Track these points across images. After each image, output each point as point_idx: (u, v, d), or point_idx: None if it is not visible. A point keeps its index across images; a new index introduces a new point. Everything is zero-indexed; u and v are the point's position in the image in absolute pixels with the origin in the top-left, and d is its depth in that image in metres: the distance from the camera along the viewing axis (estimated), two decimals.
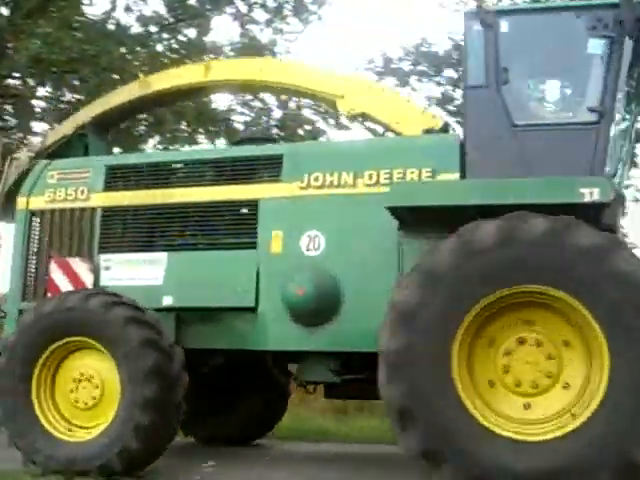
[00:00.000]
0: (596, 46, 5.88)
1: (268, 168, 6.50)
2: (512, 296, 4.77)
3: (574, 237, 4.58)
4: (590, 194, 4.91)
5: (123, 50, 12.61)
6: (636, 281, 4.47)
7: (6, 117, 14.06)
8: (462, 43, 6.48)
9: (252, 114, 14.16)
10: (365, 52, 29.37)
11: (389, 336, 4.78)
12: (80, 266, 6.64)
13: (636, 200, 13.69)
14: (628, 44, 5.75)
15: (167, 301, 6.29)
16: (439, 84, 15.71)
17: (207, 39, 13.45)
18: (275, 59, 9.31)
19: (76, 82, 12.96)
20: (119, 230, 6.83)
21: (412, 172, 6.09)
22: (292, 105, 14.00)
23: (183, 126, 13.49)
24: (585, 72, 5.92)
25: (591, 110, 5.75)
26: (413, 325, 4.71)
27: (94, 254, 6.76)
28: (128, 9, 13.66)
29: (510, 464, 4.45)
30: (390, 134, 7.11)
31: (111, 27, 13.18)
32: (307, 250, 6.09)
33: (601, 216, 5.10)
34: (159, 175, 6.80)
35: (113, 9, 13.41)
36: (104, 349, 5.58)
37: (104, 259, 6.70)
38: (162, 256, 6.55)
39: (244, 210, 6.48)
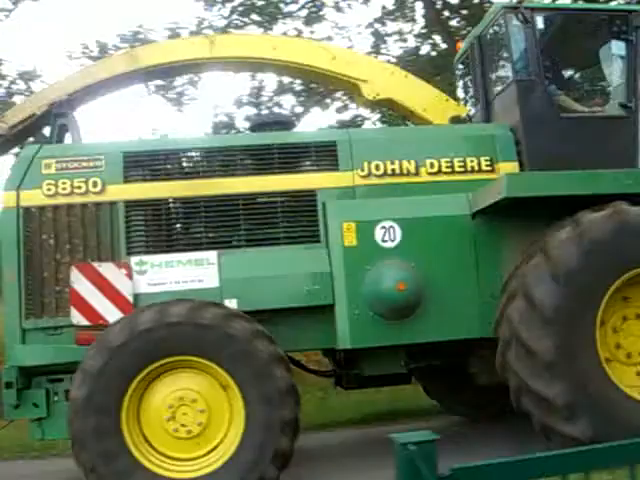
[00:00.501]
0: (619, 47, 6.58)
1: (322, 156, 6.14)
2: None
3: None
4: None
5: None
6: None
7: None
8: (498, 36, 6.72)
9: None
10: (80, 37, 27.95)
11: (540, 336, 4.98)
12: (113, 271, 5.63)
13: None
14: None
15: (231, 305, 5.65)
16: None
17: None
18: (290, 37, 8.53)
19: None
20: (150, 227, 5.90)
21: (472, 161, 6.25)
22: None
23: None
24: (612, 70, 6.59)
25: (621, 105, 6.45)
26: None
27: (121, 256, 5.77)
28: None
29: None
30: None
31: None
32: (383, 241, 5.92)
33: None
34: (195, 164, 6.01)
35: None
36: (219, 367, 4.88)
37: (136, 262, 5.76)
38: (211, 255, 5.84)
39: (300, 201, 6.05)
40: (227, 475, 4.77)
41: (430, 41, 14.82)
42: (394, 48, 15.24)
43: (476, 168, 6.23)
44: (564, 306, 5.06)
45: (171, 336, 4.88)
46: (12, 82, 13.59)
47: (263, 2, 13.48)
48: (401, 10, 14.96)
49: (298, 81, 13.01)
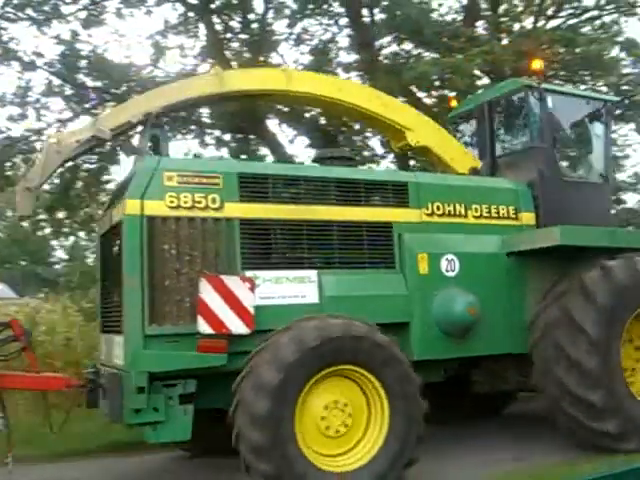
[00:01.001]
0: (599, 129, 8.46)
1: (397, 194, 7.10)
2: None
3: None
4: None
5: None
6: None
7: None
8: (514, 107, 8.21)
9: None
10: None
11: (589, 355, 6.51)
12: (238, 285, 6.05)
13: None
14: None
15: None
16: None
17: None
18: (353, 82, 8.90)
19: None
20: (263, 245, 6.39)
21: (503, 209, 7.64)
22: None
23: None
24: (596, 145, 8.42)
25: (600, 175, 8.32)
26: None
27: (237, 270, 6.21)
28: None
29: None
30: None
31: None
32: (447, 271, 7.05)
33: None
34: (300, 190, 6.62)
35: None
36: (368, 372, 5.65)
37: (250, 276, 6.23)
38: (312, 273, 6.50)
39: (380, 231, 6.94)
40: (381, 464, 5.57)
41: (210, 61, 14.13)
42: (171, 64, 15.53)
43: (506, 215, 7.63)
44: (602, 331, 6.61)
45: (334, 349, 5.55)
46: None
47: None
48: (185, 25, 14.62)
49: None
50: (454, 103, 9.22)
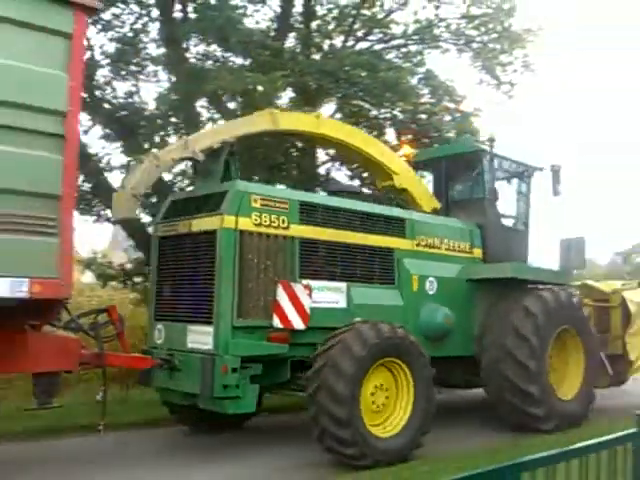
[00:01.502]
0: (522, 187, 11.10)
1: (397, 227, 9.08)
2: None
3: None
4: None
5: None
6: None
7: None
8: (469, 164, 10.55)
9: None
10: None
11: (529, 357, 8.97)
12: (301, 290, 7.68)
13: None
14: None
15: (356, 320, 8.18)
16: None
17: None
18: (365, 133, 10.15)
19: None
20: (314, 260, 8.03)
21: (463, 244, 9.93)
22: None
23: None
24: (519, 200, 11.04)
25: (522, 223, 10.97)
26: None
27: (296, 278, 7.82)
28: None
29: None
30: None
31: None
32: (429, 290, 9.16)
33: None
34: (337, 218, 8.35)
35: None
36: (403, 363, 7.57)
37: (305, 285, 7.86)
38: (342, 285, 8.27)
39: (385, 255, 8.87)
40: (410, 430, 7.51)
41: None
42: None
43: (465, 249, 9.92)
44: (538, 341, 9.09)
45: (387, 345, 7.41)
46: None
47: None
48: None
49: None
50: (407, 146, 11.28)
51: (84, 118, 11.97)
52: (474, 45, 15.44)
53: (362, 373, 7.29)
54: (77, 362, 6.74)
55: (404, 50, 15.18)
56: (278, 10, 14.27)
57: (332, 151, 12.97)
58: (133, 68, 13.15)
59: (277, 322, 7.50)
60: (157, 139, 12.67)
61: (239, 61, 13.12)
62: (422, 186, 10.44)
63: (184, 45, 13.04)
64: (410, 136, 12.22)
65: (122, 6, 12.75)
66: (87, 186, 12.58)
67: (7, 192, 5.42)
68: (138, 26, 13.07)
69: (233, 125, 8.38)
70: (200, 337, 7.48)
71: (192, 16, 12.71)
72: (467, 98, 14.74)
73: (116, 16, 12.88)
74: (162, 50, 13.16)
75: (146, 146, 11.96)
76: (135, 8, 13.11)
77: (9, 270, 5.37)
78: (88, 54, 11.33)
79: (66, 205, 5.70)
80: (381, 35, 15.06)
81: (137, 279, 13.37)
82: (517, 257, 10.58)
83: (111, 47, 12.84)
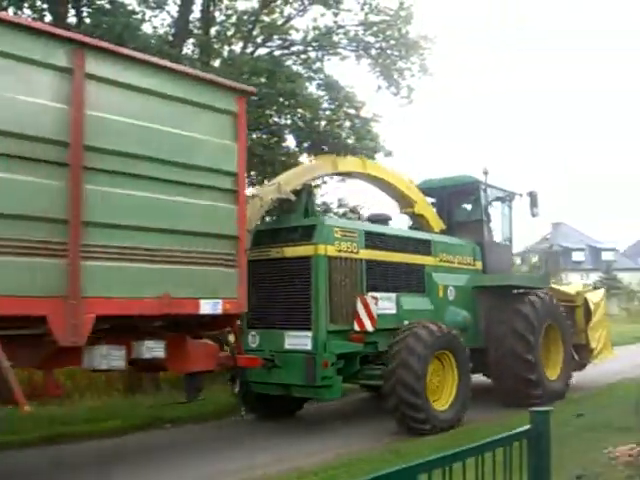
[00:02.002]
0: (506, 209, 13.66)
1: (425, 247, 11.38)
2: None
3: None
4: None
5: None
6: None
7: None
8: (469, 194, 13.00)
9: None
10: None
11: (528, 350, 11.51)
12: (372, 301, 9.82)
13: None
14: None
15: (405, 323, 10.38)
16: None
17: None
18: (397, 172, 12.12)
19: None
20: (375, 276, 10.18)
21: (468, 259, 12.35)
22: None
23: None
24: (504, 221, 13.59)
25: (506, 239, 13.54)
26: None
27: (364, 292, 9.95)
28: None
29: None
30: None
31: None
32: (449, 296, 11.51)
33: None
34: (387, 243, 10.55)
35: None
36: (451, 354, 9.85)
37: (371, 297, 10.01)
38: (392, 295, 10.48)
39: (419, 270, 11.14)
40: (457, 405, 9.79)
41: None
42: None
43: (469, 263, 12.34)
44: (533, 338, 11.60)
45: (445, 339, 9.68)
46: None
47: None
48: None
49: None
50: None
51: None
52: (372, 52, 15.58)
53: (430, 356, 9.52)
54: (216, 363, 8.58)
55: (304, 57, 15.23)
56: (176, 16, 13.96)
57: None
58: None
59: (356, 326, 9.62)
60: None
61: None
62: (432, 211, 12.79)
63: None
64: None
65: (14, 10, 12.45)
66: None
67: (207, 235, 7.30)
68: None
69: (310, 169, 10.44)
70: (298, 340, 9.48)
71: (87, 21, 12.58)
72: (366, 104, 15.27)
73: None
74: None
75: None
76: (28, 12, 12.97)
77: (210, 294, 7.25)
78: None
79: (241, 243, 7.61)
80: (280, 41, 15.14)
81: None
82: (506, 267, 13.17)
83: None
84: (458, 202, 13.41)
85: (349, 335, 9.67)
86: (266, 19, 14.98)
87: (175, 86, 7.16)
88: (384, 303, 10.25)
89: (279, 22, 15.13)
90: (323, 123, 14.62)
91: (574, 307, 13.82)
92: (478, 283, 12.15)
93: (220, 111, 7.59)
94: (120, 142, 6.50)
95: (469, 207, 13.36)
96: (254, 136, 14.06)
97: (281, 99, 13.44)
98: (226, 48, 14.72)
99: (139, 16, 12.89)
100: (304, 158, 13.17)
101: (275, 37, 15.04)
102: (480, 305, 12.15)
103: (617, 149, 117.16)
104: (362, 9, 15.22)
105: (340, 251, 9.70)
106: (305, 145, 14.58)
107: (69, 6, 12.89)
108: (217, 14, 14.81)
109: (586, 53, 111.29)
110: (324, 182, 15.58)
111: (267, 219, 11.14)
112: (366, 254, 10.13)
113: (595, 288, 14.47)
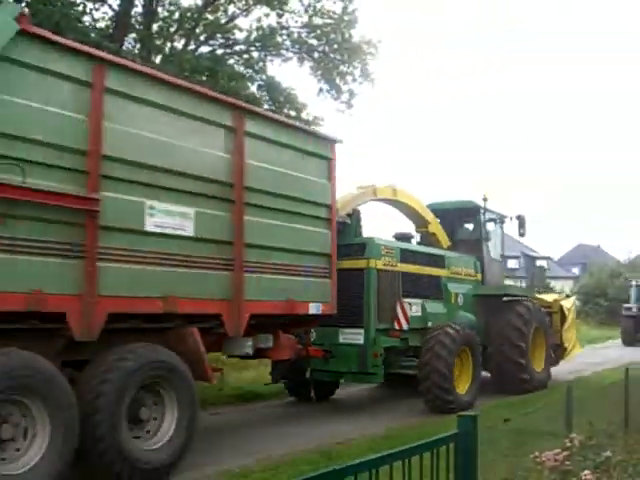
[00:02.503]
0: (496, 229, 16.25)
1: (440, 261, 13.80)
2: None
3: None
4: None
5: None
6: None
7: None
8: (470, 216, 15.52)
9: None
10: None
11: (523, 353, 14.11)
12: (407, 306, 12.16)
13: None
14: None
15: (429, 324, 12.75)
16: None
17: None
18: (416, 197, 14.35)
19: None
20: (408, 285, 12.52)
21: (472, 272, 14.85)
22: None
23: None
24: (495, 239, 16.16)
25: (500, 255, 16.13)
26: None
27: (400, 298, 12.27)
28: None
29: None
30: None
31: None
32: (459, 302, 13.97)
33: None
34: (415, 258, 12.92)
35: None
36: (468, 348, 12.28)
37: (406, 302, 12.35)
38: (418, 301, 12.85)
39: (437, 281, 13.55)
40: (472, 391, 12.23)
41: None
42: None
43: (472, 274, 14.85)
44: (528, 333, 14.16)
45: (466, 336, 12.09)
46: None
47: None
48: None
49: None
50: None
51: None
52: (315, 54, 15.93)
53: (458, 350, 11.92)
54: (294, 353, 10.73)
55: (246, 56, 15.33)
56: (117, 9, 13.51)
57: None
58: None
59: (396, 325, 11.94)
60: None
61: None
62: (441, 229, 15.23)
63: None
64: None
65: None
66: None
67: (313, 254, 9.48)
68: None
69: (358, 197, 12.69)
70: (352, 336, 11.74)
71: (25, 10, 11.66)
72: (307, 106, 15.80)
73: None
74: None
75: None
76: None
77: (315, 299, 9.44)
78: None
79: (333, 259, 9.82)
80: (223, 40, 15.13)
81: None
82: (499, 279, 15.76)
83: None
84: (461, 222, 15.92)
85: (390, 332, 11.99)
86: (210, 17, 14.85)
87: (295, 138, 9.35)
88: (414, 307, 12.61)
89: (222, 21, 15.03)
90: None
91: (552, 312, 16.52)
92: (480, 292, 14.66)
93: (321, 157, 9.79)
94: (267, 184, 8.65)
95: (470, 227, 15.88)
96: None
97: None
98: (168, 44, 14.55)
99: (80, 8, 12.53)
100: None
101: (218, 36, 15.04)
102: (480, 310, 14.66)
103: (610, 151, 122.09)
104: (306, 11, 15.39)
105: (385, 265, 12.02)
106: None
107: None
108: (160, 10, 14.52)
109: (577, 55, 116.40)
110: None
111: None
112: (402, 267, 12.48)
113: (567, 296, 17.25)
